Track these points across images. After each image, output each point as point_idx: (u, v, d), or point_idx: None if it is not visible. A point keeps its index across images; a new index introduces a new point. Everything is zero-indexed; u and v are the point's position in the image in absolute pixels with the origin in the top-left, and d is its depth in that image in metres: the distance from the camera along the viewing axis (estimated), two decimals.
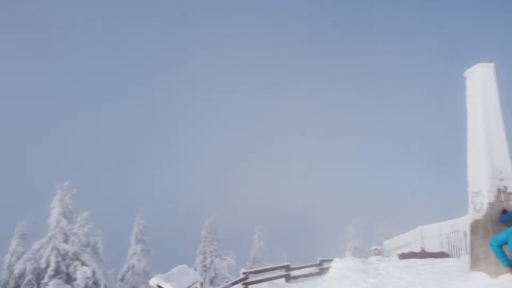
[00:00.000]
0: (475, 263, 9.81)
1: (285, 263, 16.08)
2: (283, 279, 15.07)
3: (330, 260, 14.93)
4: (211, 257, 37.88)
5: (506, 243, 4.74)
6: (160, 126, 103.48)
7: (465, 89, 10.60)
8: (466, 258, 11.06)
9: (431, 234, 18.44)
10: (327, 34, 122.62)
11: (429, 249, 17.49)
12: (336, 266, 13.08)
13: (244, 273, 13.79)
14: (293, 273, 15.73)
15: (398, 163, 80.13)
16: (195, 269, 35.55)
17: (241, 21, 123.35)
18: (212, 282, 35.85)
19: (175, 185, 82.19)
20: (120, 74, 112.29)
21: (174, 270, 12.39)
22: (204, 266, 37.64)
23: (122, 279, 36.01)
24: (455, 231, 16.65)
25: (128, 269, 36.34)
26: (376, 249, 22.09)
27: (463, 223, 14.82)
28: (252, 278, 14.13)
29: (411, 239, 19.90)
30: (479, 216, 9.77)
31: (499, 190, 9.54)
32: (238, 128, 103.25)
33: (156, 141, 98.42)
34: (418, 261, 13.27)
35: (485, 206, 9.57)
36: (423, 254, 15.81)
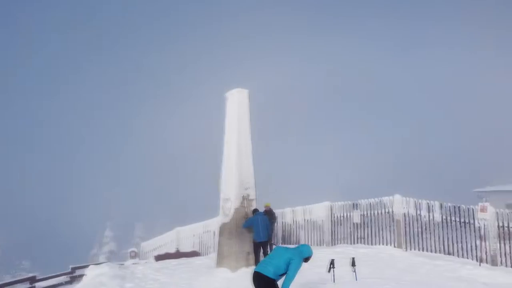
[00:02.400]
0: (220, 260, 11.27)
1: (30, 275, 14.27)
2: None
3: (85, 267, 14.17)
4: None
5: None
6: None
7: (225, 108, 12.14)
8: (214, 256, 12.50)
9: (186, 235, 19.95)
10: None
11: (185, 249, 18.87)
12: (91, 273, 12.47)
13: None
14: (39, 284, 14.12)
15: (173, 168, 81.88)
16: None
17: None
18: None
19: None
20: None
21: None
22: None
23: None
24: (206, 231, 18.57)
25: None
26: (133, 251, 22.15)
27: (213, 224, 16.73)
28: None
29: (168, 240, 20.98)
30: (227, 219, 11.31)
31: (243, 197, 11.29)
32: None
33: None
34: (173, 261, 14.07)
35: (232, 211, 11.16)
36: (178, 254, 16.91)
